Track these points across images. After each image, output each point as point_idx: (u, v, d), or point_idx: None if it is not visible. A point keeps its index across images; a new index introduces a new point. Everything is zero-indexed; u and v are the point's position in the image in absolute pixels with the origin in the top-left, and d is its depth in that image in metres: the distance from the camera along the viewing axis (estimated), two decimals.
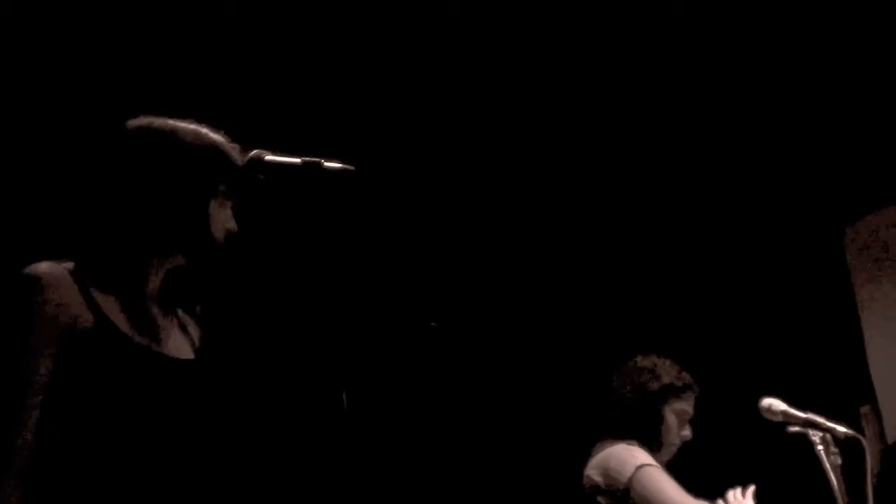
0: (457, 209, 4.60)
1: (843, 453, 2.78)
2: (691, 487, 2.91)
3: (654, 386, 3.08)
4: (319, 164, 1.80)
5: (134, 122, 1.84)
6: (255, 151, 1.83)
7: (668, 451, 3.08)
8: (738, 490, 2.89)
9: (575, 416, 3.60)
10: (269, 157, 1.83)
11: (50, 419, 1.65)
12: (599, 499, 2.95)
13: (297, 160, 1.81)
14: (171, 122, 1.84)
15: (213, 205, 1.83)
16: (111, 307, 1.75)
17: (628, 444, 3.00)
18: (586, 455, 3.07)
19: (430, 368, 4.49)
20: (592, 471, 2.99)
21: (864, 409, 4.59)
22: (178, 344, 1.85)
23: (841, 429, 2.83)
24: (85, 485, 1.66)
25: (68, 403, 1.67)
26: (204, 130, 1.85)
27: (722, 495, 2.91)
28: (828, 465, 2.76)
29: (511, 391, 4.66)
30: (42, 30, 3.51)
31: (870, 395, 4.68)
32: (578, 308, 4.89)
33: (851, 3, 3.99)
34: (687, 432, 3.12)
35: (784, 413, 2.90)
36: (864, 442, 2.82)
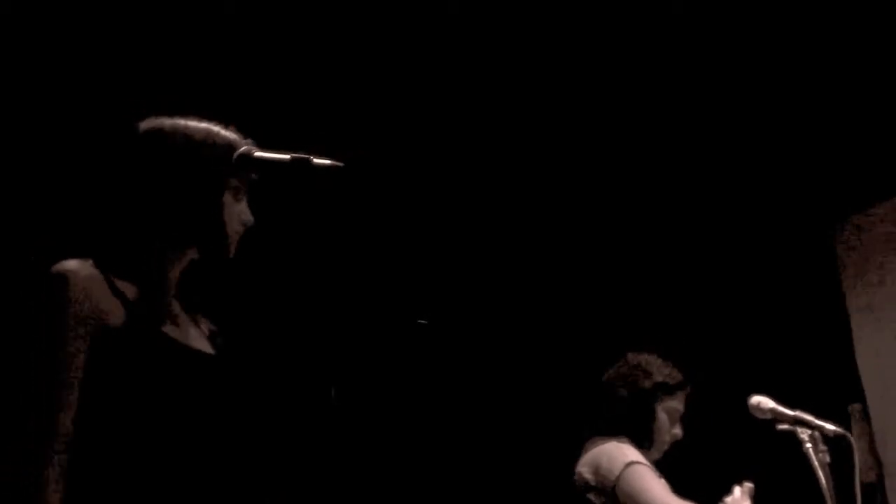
0: (447, 205, 4.60)
1: (831, 451, 2.79)
2: (680, 485, 2.91)
3: (647, 384, 3.08)
4: (308, 161, 1.81)
5: (145, 124, 1.89)
6: (243, 148, 1.86)
7: (659, 450, 3.09)
8: (736, 491, 2.89)
9: (566, 413, 3.60)
10: (258, 154, 1.86)
11: (85, 415, 1.68)
12: (590, 496, 2.95)
13: (287, 156, 1.82)
14: (182, 122, 1.88)
15: (227, 199, 1.87)
16: (138, 302, 1.78)
17: (619, 441, 3.00)
18: (578, 452, 3.07)
19: (419, 366, 4.49)
20: (583, 468, 2.99)
21: (853, 408, 4.60)
22: (197, 337, 1.89)
23: (829, 427, 2.84)
24: (121, 477, 1.68)
25: (102, 398, 1.70)
26: (215, 129, 1.89)
27: (711, 494, 2.91)
28: (816, 463, 2.77)
29: (502, 389, 4.66)
30: (58, 33, 3.52)
31: (858, 394, 4.69)
32: (571, 306, 4.89)
33: (844, 4, 3.99)
34: (678, 430, 3.12)
35: (773, 411, 2.91)
36: (853, 440, 2.83)
